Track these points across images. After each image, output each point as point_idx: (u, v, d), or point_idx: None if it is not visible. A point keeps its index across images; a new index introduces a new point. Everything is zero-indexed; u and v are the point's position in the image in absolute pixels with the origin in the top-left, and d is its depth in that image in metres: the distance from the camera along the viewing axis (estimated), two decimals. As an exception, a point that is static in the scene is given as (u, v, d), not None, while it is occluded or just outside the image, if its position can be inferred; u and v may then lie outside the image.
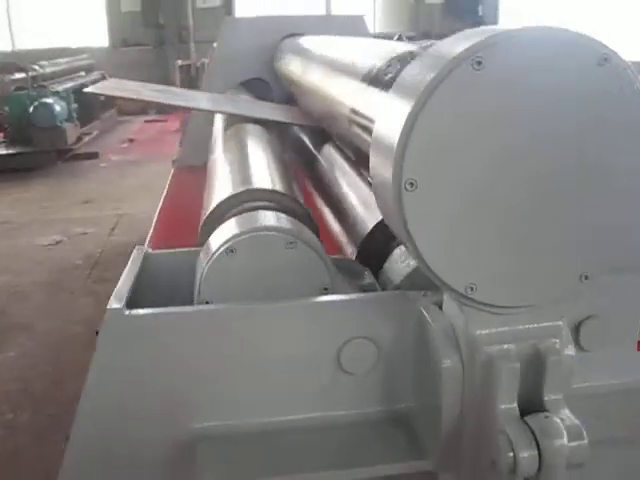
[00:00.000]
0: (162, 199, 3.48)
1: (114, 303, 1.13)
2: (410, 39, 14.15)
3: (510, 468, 0.94)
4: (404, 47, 1.52)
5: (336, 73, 1.86)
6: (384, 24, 16.57)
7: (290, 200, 1.50)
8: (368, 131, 1.34)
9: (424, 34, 15.81)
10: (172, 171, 4.09)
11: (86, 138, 10.21)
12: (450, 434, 1.07)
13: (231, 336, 1.15)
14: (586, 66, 0.89)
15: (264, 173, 1.69)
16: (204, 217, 1.50)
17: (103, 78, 12.58)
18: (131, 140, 11.06)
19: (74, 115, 9.64)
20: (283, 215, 1.33)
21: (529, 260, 0.96)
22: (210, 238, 1.31)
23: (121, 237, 6.22)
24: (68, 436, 1.18)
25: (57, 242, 6.24)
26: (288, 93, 3.66)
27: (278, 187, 1.58)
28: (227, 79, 3.97)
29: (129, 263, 1.33)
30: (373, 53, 1.69)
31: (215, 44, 4.24)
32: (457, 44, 0.89)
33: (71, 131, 9.46)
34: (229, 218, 1.38)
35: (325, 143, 2.55)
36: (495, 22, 15.41)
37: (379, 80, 1.41)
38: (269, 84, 4.04)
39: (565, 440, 0.94)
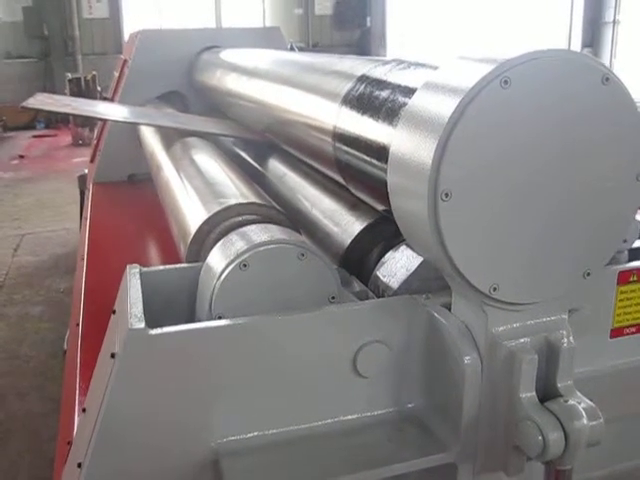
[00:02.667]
0: (88, 216, 3.37)
1: (135, 323, 1.12)
2: (300, 49, 14.40)
3: (539, 451, 1.03)
4: (360, 65, 1.60)
5: (298, 89, 1.91)
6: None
7: (276, 212, 1.53)
8: (356, 147, 1.41)
9: (314, 45, 16.14)
10: (91, 187, 3.97)
11: (-29, 155, 9.63)
12: (469, 426, 1.15)
13: (251, 349, 1.17)
14: (594, 84, 1.00)
15: (238, 187, 1.72)
16: (192, 234, 1.50)
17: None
18: (21, 156, 10.55)
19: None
20: (287, 228, 1.37)
21: (543, 260, 1.06)
22: (212, 254, 1.32)
23: (27, 257, 5.94)
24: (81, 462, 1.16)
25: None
26: (209, 105, 3.66)
27: (256, 200, 1.60)
28: (143, 93, 3.91)
29: (128, 281, 1.31)
30: (330, 67, 1.76)
31: (124, 56, 4.17)
32: (479, 65, 0.98)
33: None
34: (223, 234, 1.40)
35: (269, 157, 2.58)
36: (383, 33, 15.95)
37: (350, 97, 1.48)
38: (186, 97, 4.02)
39: (586, 421, 1.04)
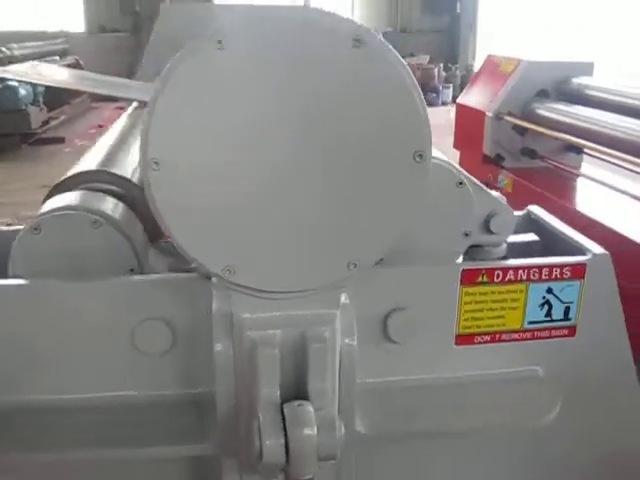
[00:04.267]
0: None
1: None
2: (386, 35, 14.16)
3: (256, 455, 0.94)
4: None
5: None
6: (360, 19, 16.57)
7: (132, 185, 1.49)
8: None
9: (401, 30, 15.82)
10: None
11: (53, 122, 10.10)
12: (226, 418, 1.06)
13: (32, 312, 1.15)
14: (340, 49, 0.88)
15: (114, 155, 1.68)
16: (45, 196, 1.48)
17: (77, 63, 12.50)
18: (100, 126, 10.95)
19: (40, 99, 9.54)
20: (100, 195, 1.32)
21: (291, 245, 0.96)
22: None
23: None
24: None
25: (7, 225, 6.18)
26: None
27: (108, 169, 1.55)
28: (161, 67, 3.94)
29: None
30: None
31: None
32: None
33: (36, 115, 9.36)
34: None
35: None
36: (474, 20, 15.43)
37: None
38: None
39: (314, 430, 0.93)
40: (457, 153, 6.27)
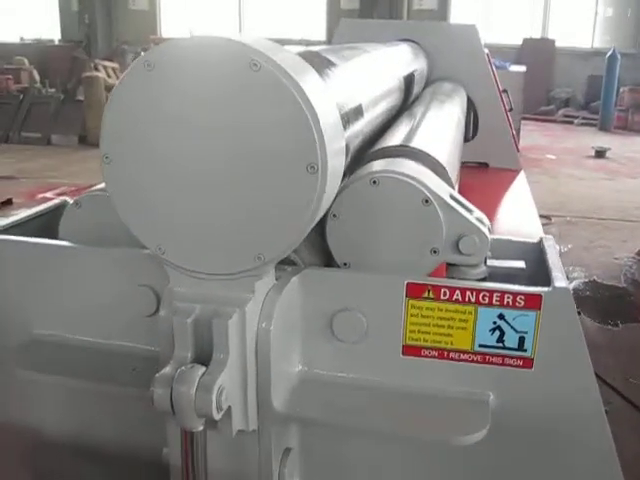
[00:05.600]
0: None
1: None
2: (626, 56, 13.22)
3: (152, 402, 1.14)
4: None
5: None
6: (601, 40, 15.70)
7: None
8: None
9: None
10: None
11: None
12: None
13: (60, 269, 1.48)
14: (240, 71, 1.05)
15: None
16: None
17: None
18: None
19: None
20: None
21: (208, 235, 1.15)
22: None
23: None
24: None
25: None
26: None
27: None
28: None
29: None
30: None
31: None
32: None
33: None
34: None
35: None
36: None
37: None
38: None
39: (191, 389, 1.10)
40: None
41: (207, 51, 1.06)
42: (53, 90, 12.56)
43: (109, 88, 11.45)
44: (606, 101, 13.51)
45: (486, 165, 4.15)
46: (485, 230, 1.37)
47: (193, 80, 1.07)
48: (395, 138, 1.80)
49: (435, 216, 1.34)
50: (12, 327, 1.53)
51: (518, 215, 3.17)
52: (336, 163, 1.14)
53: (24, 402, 1.54)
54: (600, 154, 10.99)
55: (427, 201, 1.34)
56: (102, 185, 1.56)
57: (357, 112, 1.60)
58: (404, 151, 1.57)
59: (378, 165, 1.43)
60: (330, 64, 1.60)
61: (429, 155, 1.59)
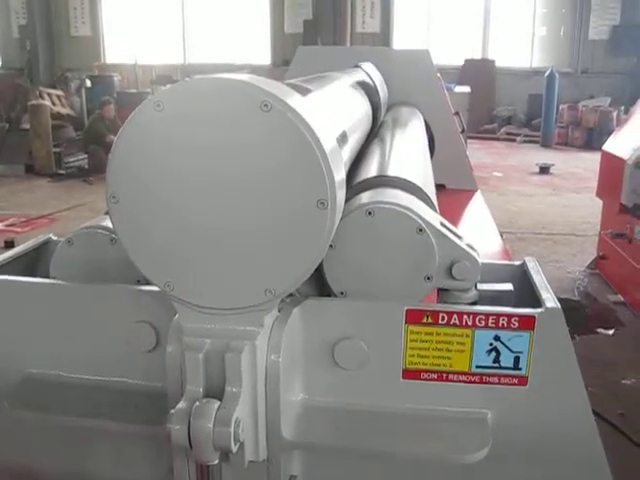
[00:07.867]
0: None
1: None
2: (563, 75, 13.75)
3: (169, 438, 1.15)
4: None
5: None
6: (539, 59, 16.29)
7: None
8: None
9: (583, 71, 15.25)
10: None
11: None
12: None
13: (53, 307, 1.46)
14: (251, 111, 1.08)
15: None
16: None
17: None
18: None
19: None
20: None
21: (218, 270, 1.17)
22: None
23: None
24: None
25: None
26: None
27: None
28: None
29: None
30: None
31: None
32: None
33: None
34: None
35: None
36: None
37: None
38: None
39: (209, 423, 1.12)
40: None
41: (218, 92, 1.09)
42: (-4, 119, 12.30)
43: (55, 116, 11.32)
44: (547, 118, 14.02)
45: (443, 187, 4.23)
46: (475, 255, 1.43)
47: (203, 121, 1.10)
48: (373, 167, 1.85)
49: (429, 244, 1.39)
50: (6, 366, 1.50)
51: (482, 235, 3.27)
52: (340, 195, 1.18)
53: (19, 443, 1.51)
54: (544, 170, 11.38)
55: (421, 230, 1.39)
56: (93, 222, 1.56)
57: (344, 140, 1.65)
58: (392, 181, 1.62)
59: (370, 196, 1.47)
60: (310, 93, 1.65)
61: (414, 184, 1.64)
